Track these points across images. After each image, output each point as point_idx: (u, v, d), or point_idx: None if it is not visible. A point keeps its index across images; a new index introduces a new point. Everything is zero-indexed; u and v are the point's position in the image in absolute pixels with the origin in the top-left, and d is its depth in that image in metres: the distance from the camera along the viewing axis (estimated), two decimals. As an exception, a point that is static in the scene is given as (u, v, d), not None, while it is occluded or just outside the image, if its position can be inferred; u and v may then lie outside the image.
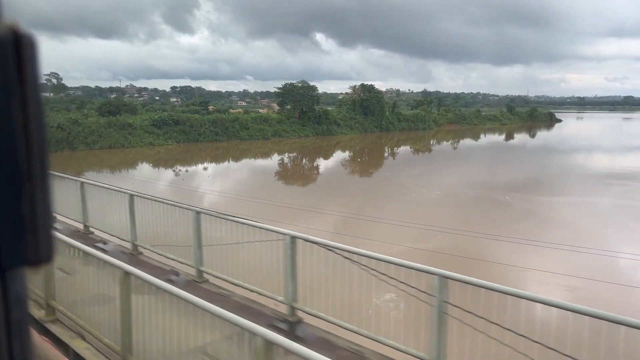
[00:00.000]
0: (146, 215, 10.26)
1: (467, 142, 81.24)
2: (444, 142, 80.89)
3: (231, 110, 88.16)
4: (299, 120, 73.61)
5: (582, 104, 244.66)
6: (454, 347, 5.54)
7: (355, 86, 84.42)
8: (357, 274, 6.47)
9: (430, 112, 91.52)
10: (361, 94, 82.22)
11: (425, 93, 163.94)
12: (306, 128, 73.33)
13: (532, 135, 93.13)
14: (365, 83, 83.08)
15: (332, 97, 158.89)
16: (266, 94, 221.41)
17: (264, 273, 8.07)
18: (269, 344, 4.08)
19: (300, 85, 75.31)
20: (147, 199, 10.53)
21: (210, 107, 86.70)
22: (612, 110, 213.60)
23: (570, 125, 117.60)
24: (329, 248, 6.79)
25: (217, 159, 56.41)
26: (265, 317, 7.15)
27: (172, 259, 9.62)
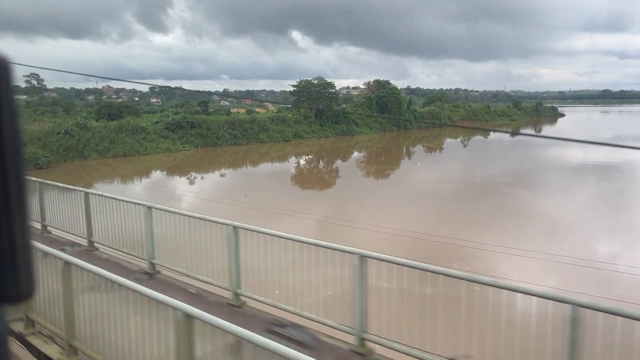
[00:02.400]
0: (102, 213, 10.47)
1: (496, 138, 77.52)
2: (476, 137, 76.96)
3: (232, 111, 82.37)
4: (316, 120, 68.23)
5: (563, 98, 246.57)
6: (374, 320, 6.01)
7: (369, 82, 79.51)
8: (295, 259, 6.75)
9: (444, 109, 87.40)
10: (376, 91, 77.40)
11: (408, 90, 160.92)
12: (325, 128, 68.05)
13: (537, 130, 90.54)
14: (380, 79, 78.12)
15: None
16: (247, 93, 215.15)
17: (213, 263, 8.25)
18: (195, 321, 4.32)
19: (316, 82, 69.96)
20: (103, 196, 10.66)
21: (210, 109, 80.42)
22: (596, 104, 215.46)
23: (576, 119, 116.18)
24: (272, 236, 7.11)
25: (246, 165, 50.76)
26: (211, 303, 7.63)
27: (125, 253, 9.93)
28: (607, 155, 48.81)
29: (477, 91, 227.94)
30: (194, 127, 55.63)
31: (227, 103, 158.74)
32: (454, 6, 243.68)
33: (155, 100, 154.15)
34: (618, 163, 44.99)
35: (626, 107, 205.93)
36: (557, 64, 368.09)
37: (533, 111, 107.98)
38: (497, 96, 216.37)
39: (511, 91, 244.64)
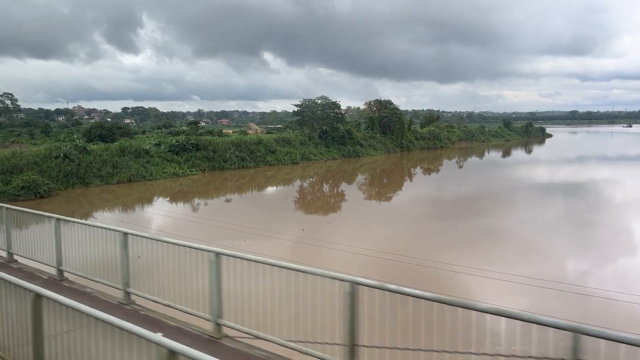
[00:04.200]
0: (74, 240, 9.90)
1: (490, 158, 76.09)
2: (479, 157, 74.96)
3: (224, 132, 78.45)
4: (322, 141, 64.83)
5: (534, 119, 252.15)
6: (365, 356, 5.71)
7: (370, 102, 76.95)
8: (281, 286, 6.45)
9: (442, 129, 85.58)
10: (379, 111, 74.84)
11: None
12: (331, 149, 64.72)
13: (528, 151, 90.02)
14: (381, 99, 75.62)
15: (289, 115, 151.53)
16: (222, 114, 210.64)
17: (193, 292, 7.72)
18: (179, 357, 3.99)
19: (320, 102, 66.73)
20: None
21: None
22: (569, 125, 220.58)
23: (563, 139, 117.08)
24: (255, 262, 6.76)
25: (263, 188, 46.74)
26: (190, 334, 7.26)
27: (99, 282, 9.38)
28: (572, 175, 51.85)
29: (450, 112, 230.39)
30: (199, 150, 51.31)
31: (203, 124, 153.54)
32: (423, 29, 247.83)
33: (128, 121, 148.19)
34: (583, 182, 46.19)
35: (593, 128, 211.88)
36: (522, 85, 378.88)
37: (523, 131, 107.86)
38: (470, 117, 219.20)
39: (480, 112, 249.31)
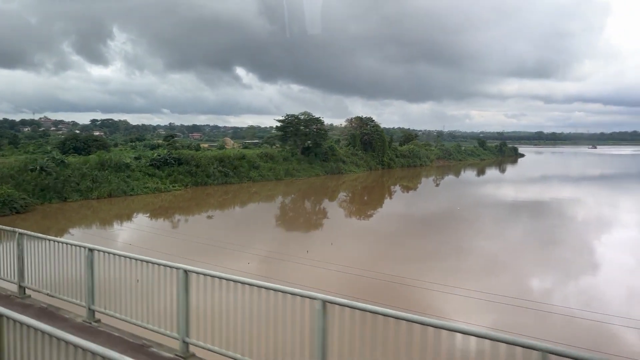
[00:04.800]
0: (37, 256, 9.43)
1: (465, 177, 76.66)
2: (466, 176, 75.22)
3: (202, 146, 76.70)
4: (305, 157, 63.83)
5: (501, 139, 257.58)
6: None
7: (351, 119, 76.64)
8: (251, 304, 6.37)
9: (421, 148, 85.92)
10: (360, 128, 74.52)
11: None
12: (314, 166, 63.76)
13: (501, 170, 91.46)
14: (363, 116, 75.42)
15: (263, 131, 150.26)
16: (193, 128, 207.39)
17: (160, 310, 7.55)
18: None
19: (303, 117, 65.87)
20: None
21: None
22: (536, 145, 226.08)
23: (533, 159, 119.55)
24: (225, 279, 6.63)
25: (253, 206, 45.25)
26: (156, 355, 7.09)
27: (63, 299, 9.03)
28: (535, 194, 53.17)
29: (420, 130, 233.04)
30: (181, 164, 49.51)
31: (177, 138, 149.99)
32: (394, 48, 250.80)
33: (98, 133, 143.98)
34: (547, 201, 47.01)
35: (558, 148, 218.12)
36: (488, 106, 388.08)
37: (498, 151, 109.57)
38: (440, 135, 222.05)
39: (449, 131, 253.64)
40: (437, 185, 68.13)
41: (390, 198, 54.58)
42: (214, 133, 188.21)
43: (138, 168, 46.25)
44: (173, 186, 46.72)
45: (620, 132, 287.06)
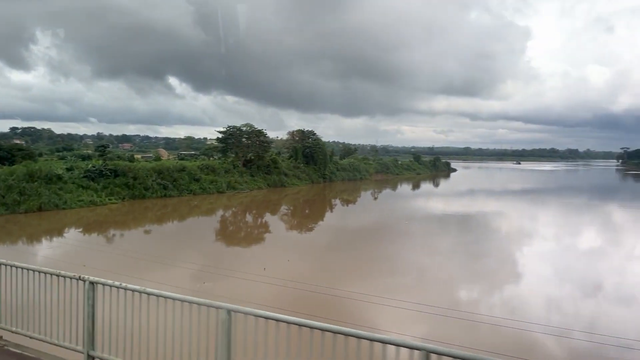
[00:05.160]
0: None
1: (402, 191, 78.49)
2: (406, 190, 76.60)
3: (136, 157, 73.50)
4: (247, 170, 62.64)
5: (432, 154, 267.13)
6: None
7: (293, 132, 76.35)
8: (158, 315, 6.24)
9: (361, 162, 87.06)
10: (301, 141, 74.35)
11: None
12: (257, 179, 62.69)
13: (435, 185, 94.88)
14: (305, 129, 75.41)
15: (198, 142, 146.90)
16: (123, 138, 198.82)
17: (66, 323, 7.30)
18: None
19: (246, 129, 64.75)
20: None
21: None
22: (464, 160, 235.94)
23: (464, 174, 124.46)
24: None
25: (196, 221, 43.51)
26: None
27: None
28: (460, 207, 55.30)
29: (354, 144, 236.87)
30: (118, 176, 46.92)
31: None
32: (329, 64, 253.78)
33: (18, 141, 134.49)
34: (474, 214, 49.14)
35: (484, 164, 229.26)
36: (418, 122, 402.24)
37: (432, 165, 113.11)
38: (373, 150, 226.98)
39: (382, 145, 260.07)
40: (376, 198, 69.13)
41: (332, 211, 54.59)
42: (145, 144, 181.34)
43: (71, 180, 43.26)
44: (109, 199, 44.11)
45: (539, 149, 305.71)
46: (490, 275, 24.04)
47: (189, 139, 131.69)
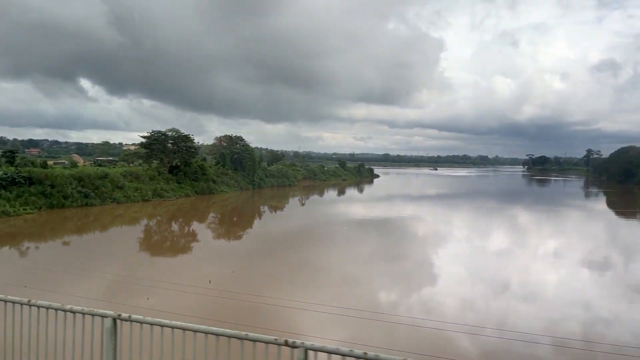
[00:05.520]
0: None
1: (329, 197, 79.44)
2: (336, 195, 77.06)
3: (49, 164, 68.46)
4: (173, 177, 60.37)
5: (353, 160, 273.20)
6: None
7: (220, 137, 74.74)
8: (39, 328, 5.80)
9: (289, 167, 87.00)
10: (229, 147, 72.99)
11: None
12: (184, 186, 60.58)
13: (360, 190, 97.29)
14: (232, 135, 74.14)
15: (113, 148, 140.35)
16: (30, 143, 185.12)
17: None
18: None
19: (171, 134, 62.44)
20: None
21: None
22: (384, 166, 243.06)
23: (385, 180, 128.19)
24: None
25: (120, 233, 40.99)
26: None
27: None
28: (381, 212, 56.91)
29: (277, 150, 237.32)
30: (33, 184, 43.40)
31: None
32: (250, 69, 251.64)
33: None
34: (394, 218, 50.86)
35: (403, 170, 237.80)
36: (339, 129, 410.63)
37: (356, 172, 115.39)
38: (297, 156, 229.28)
39: (304, 152, 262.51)
40: (303, 204, 69.27)
41: (260, 219, 53.93)
42: (55, 149, 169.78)
43: (-22, 188, 39.42)
44: (24, 209, 40.66)
45: (453, 155, 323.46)
46: (408, 277, 24.67)
47: (106, 144, 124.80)
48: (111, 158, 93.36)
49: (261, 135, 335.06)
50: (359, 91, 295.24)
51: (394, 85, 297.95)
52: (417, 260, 29.62)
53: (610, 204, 76.43)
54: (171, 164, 61.77)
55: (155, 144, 61.10)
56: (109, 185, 50.46)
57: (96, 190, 48.66)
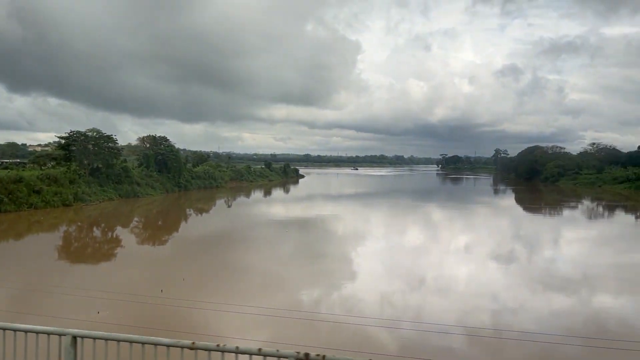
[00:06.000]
0: None
1: (255, 197, 78.92)
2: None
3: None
4: (95, 180, 56.95)
5: (276, 160, 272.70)
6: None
7: (143, 137, 71.56)
8: None
9: (215, 168, 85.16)
10: (153, 148, 70.09)
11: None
12: (107, 189, 57.34)
13: (285, 191, 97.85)
14: (156, 135, 71.31)
15: (17, 148, 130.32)
16: None
17: None
18: None
19: (92, 134, 58.83)
20: None
21: None
22: (305, 166, 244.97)
23: (310, 180, 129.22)
24: None
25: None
26: None
27: None
28: (303, 212, 58.04)
29: (196, 151, 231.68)
30: None
31: None
32: (166, 67, 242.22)
33: None
34: (312, 218, 52.01)
35: (324, 170, 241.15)
36: (259, 129, 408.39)
37: (282, 172, 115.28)
38: (218, 157, 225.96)
39: (224, 152, 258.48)
40: (229, 206, 68.19)
41: (186, 222, 52.38)
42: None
43: None
44: None
45: (371, 155, 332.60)
46: (329, 275, 25.14)
47: (12, 145, 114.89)
48: (19, 160, 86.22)
49: (179, 136, 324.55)
50: (279, 92, 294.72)
51: (313, 86, 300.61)
52: (337, 258, 30.11)
53: (519, 200, 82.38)
54: (92, 166, 58.19)
55: (75, 144, 57.24)
56: (25, 190, 46.56)
57: (10, 196, 44.74)
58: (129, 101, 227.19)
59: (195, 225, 48.04)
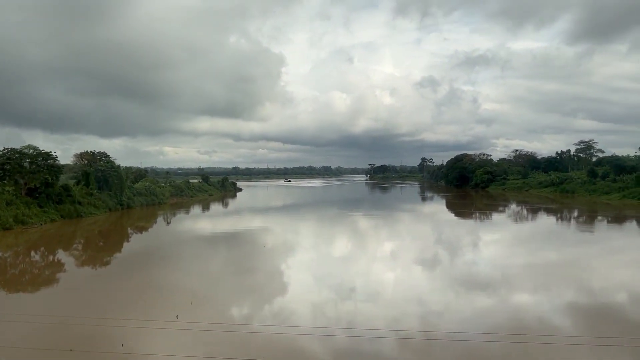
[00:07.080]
0: None
1: (195, 212, 77.27)
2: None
3: None
4: (34, 200, 53.08)
5: (201, 174, 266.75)
6: None
7: (80, 154, 67.72)
8: None
9: (155, 183, 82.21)
10: (91, 165, 66.52)
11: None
12: (48, 210, 53.58)
13: (224, 205, 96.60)
14: (95, 151, 67.75)
15: None
16: None
17: None
18: None
19: (29, 152, 54.87)
20: None
21: None
22: (237, 180, 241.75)
23: (247, 193, 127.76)
24: None
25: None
26: None
27: None
28: (231, 226, 58.20)
29: (129, 167, 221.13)
30: None
31: None
32: (82, 80, 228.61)
33: None
34: (240, 231, 52.28)
35: (253, 182, 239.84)
36: (181, 142, 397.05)
37: (220, 186, 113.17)
38: (141, 172, 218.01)
39: (147, 167, 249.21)
40: (169, 223, 66.27)
41: (128, 241, 50.28)
42: None
43: None
44: None
45: (300, 166, 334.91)
46: (260, 288, 25.36)
47: None
48: None
49: (98, 150, 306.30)
50: (202, 104, 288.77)
51: (237, 99, 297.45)
52: (268, 271, 30.36)
53: (450, 206, 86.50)
54: (29, 186, 54.19)
55: (9, 163, 53.07)
56: (-41, 214, 42.51)
57: (-56, 221, 40.64)
58: (41, 116, 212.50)
59: (134, 244, 46.20)
